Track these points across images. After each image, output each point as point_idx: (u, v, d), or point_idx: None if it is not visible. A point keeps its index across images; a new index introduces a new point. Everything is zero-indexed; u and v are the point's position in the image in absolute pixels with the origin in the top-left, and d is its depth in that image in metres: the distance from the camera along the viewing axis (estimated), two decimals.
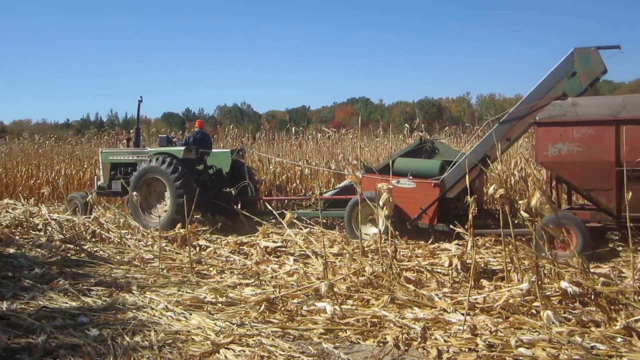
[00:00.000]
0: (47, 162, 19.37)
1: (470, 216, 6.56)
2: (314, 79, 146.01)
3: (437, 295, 5.77)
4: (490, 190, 5.87)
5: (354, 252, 7.10)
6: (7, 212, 13.48)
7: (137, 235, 9.95)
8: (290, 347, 4.41)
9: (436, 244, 8.89)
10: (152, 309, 5.56)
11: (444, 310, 5.32)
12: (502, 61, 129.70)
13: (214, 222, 10.96)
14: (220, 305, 5.73)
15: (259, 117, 66.91)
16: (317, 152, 17.56)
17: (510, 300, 5.31)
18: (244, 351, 4.39)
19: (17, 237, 9.58)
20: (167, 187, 11.15)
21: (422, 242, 9.12)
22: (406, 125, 18.62)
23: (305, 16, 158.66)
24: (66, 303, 5.79)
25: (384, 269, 6.33)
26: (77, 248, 8.68)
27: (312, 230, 10.26)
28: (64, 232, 9.63)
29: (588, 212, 7.92)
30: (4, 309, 5.42)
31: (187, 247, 8.13)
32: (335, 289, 5.81)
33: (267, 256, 8.22)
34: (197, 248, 8.92)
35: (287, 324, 5.11)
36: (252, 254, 8.43)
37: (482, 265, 7.11)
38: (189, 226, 8.15)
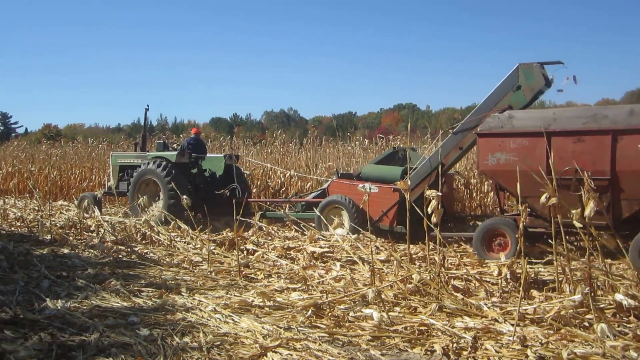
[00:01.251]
0: (99, 165, 19.87)
1: (520, 225, 6.42)
2: (360, 84, 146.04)
3: (485, 304, 5.68)
4: (542, 199, 5.77)
5: (402, 259, 7.06)
6: (61, 213, 13.86)
7: (186, 238, 10.10)
8: (339, 353, 4.40)
9: None
10: (201, 310, 5.63)
11: (495, 320, 5.23)
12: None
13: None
14: (267, 309, 5.76)
15: (305, 123, 67.30)
16: (365, 157, 17.54)
17: (562, 312, 5.16)
18: (292, 355, 4.40)
19: (71, 238, 9.89)
20: (161, 187, 12.08)
21: (471, 251, 9.03)
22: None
23: (353, 23, 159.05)
24: (118, 303, 5.92)
25: (432, 276, 6.27)
26: (129, 250, 8.88)
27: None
28: (116, 233, 9.87)
29: (528, 218, 8.27)
30: (59, 307, 5.57)
31: (235, 251, 8.22)
32: (383, 296, 5.78)
33: (314, 261, 8.24)
34: (245, 252, 9.00)
35: (334, 329, 5.10)
36: (299, 259, 8.46)
37: (533, 275, 6.97)
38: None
